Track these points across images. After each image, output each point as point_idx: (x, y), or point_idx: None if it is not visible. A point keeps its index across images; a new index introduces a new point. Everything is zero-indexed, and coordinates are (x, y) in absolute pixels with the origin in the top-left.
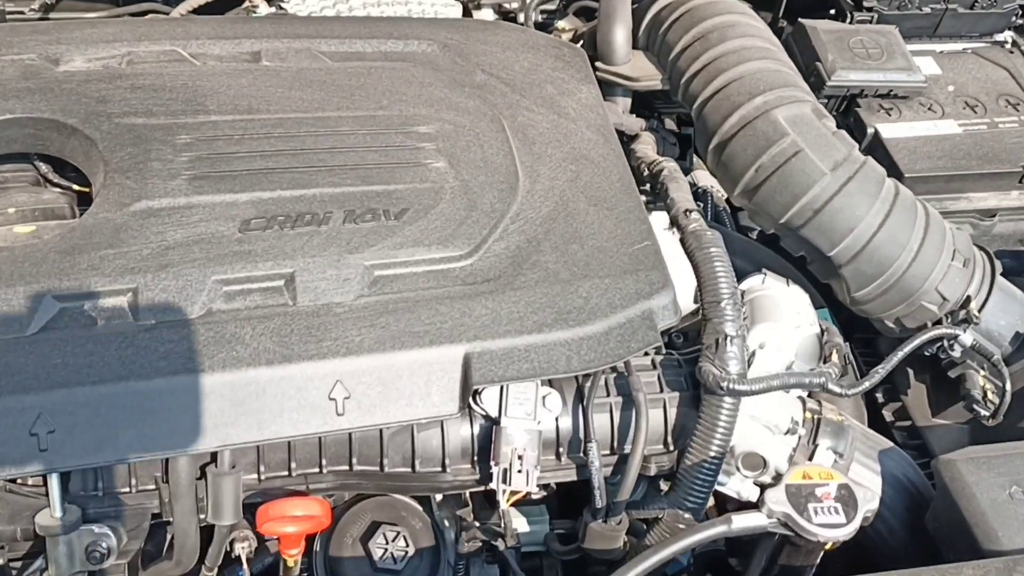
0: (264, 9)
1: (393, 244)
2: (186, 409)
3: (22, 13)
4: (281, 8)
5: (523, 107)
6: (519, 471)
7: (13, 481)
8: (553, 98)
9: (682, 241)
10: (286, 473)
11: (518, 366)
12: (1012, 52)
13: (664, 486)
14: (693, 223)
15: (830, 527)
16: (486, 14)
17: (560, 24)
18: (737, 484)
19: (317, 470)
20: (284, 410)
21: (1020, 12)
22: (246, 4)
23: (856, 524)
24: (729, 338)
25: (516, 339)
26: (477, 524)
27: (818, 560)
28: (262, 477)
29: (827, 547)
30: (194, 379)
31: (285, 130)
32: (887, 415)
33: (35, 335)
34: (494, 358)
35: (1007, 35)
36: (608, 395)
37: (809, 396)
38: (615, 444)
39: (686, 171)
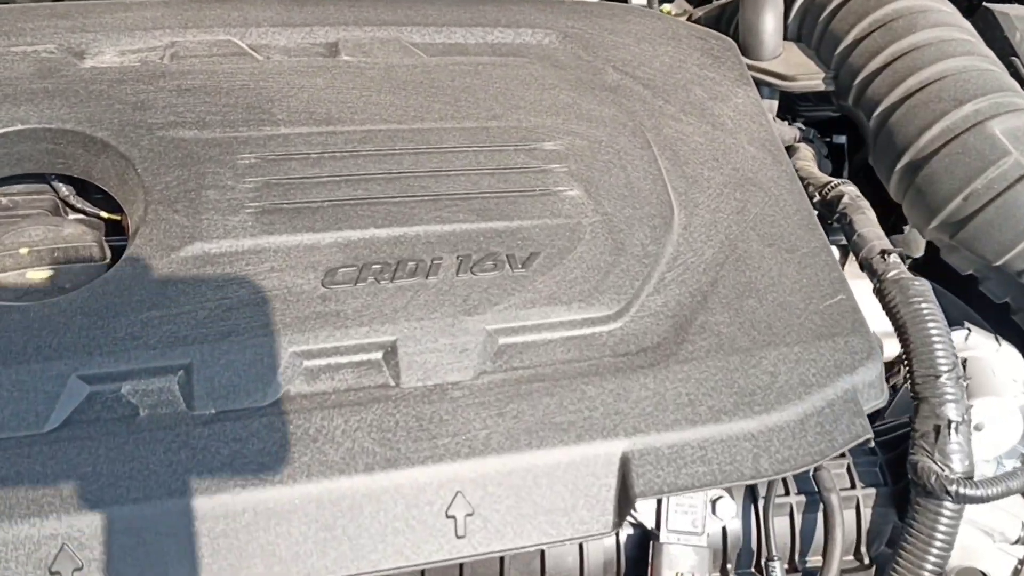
0: None
1: (522, 301)
2: (258, 533)
3: None
4: None
5: (668, 115)
6: None
7: None
8: (704, 104)
9: (879, 292)
10: None
11: (692, 470)
12: None
13: None
14: (893, 269)
15: None
16: None
17: (666, 7)
18: None
19: None
20: (387, 533)
21: None
22: None
23: None
24: (953, 425)
25: (688, 432)
26: None
27: None
28: None
29: None
30: (267, 493)
31: (375, 147)
32: None
33: (56, 432)
34: (661, 459)
35: None
36: (787, 493)
37: None
38: (795, 555)
39: None
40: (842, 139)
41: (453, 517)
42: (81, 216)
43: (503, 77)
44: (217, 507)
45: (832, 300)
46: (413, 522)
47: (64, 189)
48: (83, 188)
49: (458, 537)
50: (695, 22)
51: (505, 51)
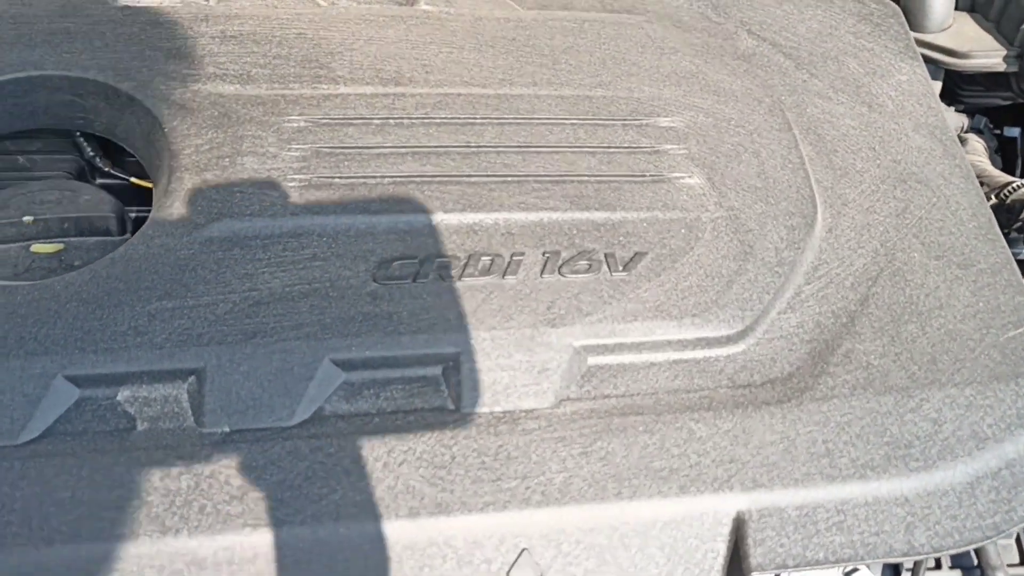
0: None
1: (620, 313)
2: None
3: None
4: None
5: (814, 92)
6: None
7: None
8: (859, 80)
9: None
10: None
11: (826, 540)
12: None
13: None
14: None
15: None
16: None
17: None
18: None
19: None
20: None
21: None
22: None
23: None
24: None
25: (823, 490)
26: None
27: None
28: None
29: None
30: (286, 538)
31: (452, 114)
32: None
33: (32, 444)
34: (787, 523)
35: None
36: (938, 567)
37: None
38: None
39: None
40: (1015, 132)
41: None
42: (108, 181)
43: (613, 37)
44: (221, 551)
45: (1017, 331)
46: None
47: (90, 149)
48: (115, 149)
49: None
50: None
51: (617, 7)
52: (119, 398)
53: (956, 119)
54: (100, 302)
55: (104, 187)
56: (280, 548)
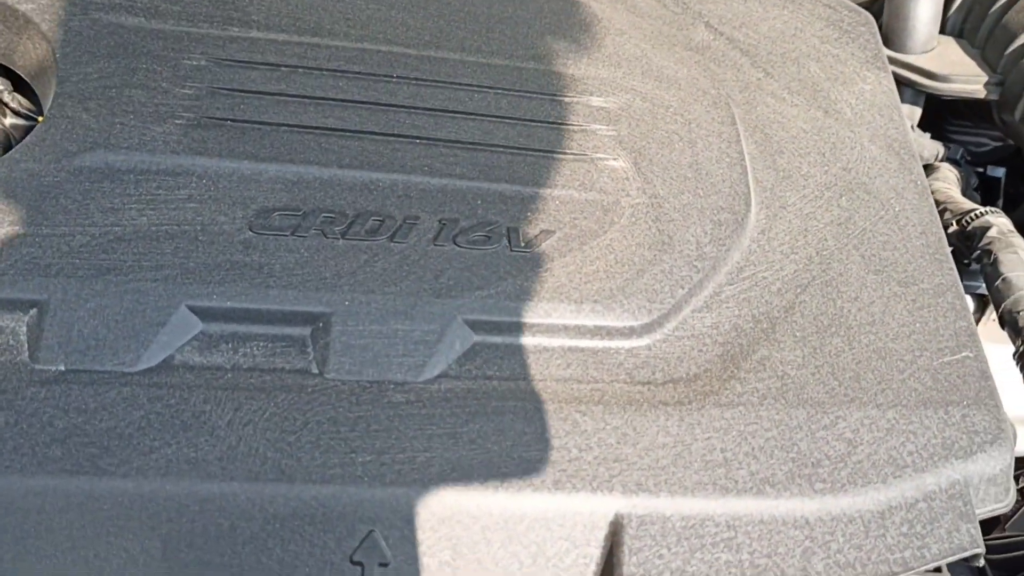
0: None
1: (516, 290)
2: (80, 543)
3: None
4: None
5: (767, 91)
6: None
7: None
8: (819, 84)
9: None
10: None
11: (711, 556)
12: None
13: None
14: None
15: None
16: None
17: None
18: None
19: None
20: (264, 571)
21: None
22: None
23: None
24: None
25: (714, 501)
26: None
27: None
28: None
29: None
30: (104, 489)
31: (367, 69)
32: None
33: None
34: (668, 533)
35: None
36: None
37: None
38: None
39: None
40: (999, 172)
41: (360, 565)
42: (18, 121)
43: (557, 13)
44: (32, 496)
45: (953, 357)
46: (299, 563)
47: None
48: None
49: None
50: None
51: None
52: None
53: (932, 146)
54: None
55: (16, 127)
56: (98, 500)
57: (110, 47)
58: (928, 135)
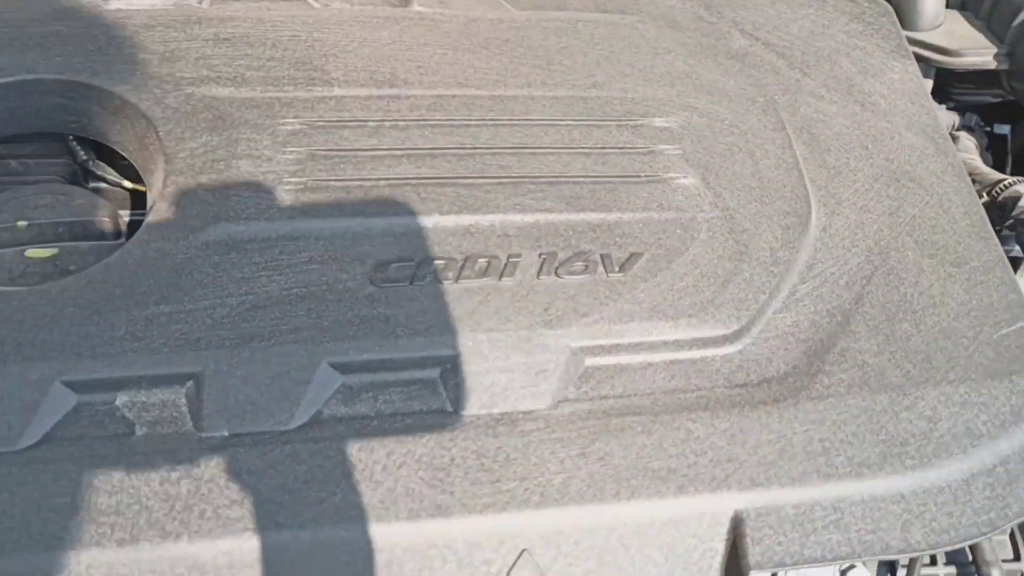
0: None
1: (617, 314)
2: None
3: None
4: None
5: (807, 92)
6: None
7: None
8: (852, 79)
9: None
10: None
11: (823, 538)
12: None
13: None
14: None
15: None
16: None
17: None
18: None
19: None
20: None
21: None
22: None
23: None
24: None
25: (820, 489)
26: None
27: None
28: None
29: None
30: (286, 541)
31: (447, 116)
32: None
33: (30, 450)
34: (784, 522)
35: None
36: (933, 563)
37: None
38: None
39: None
40: (1005, 129)
41: None
42: (102, 185)
43: (607, 38)
44: (221, 556)
45: (1010, 328)
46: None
47: (83, 153)
48: (108, 153)
49: None
50: None
51: (611, 7)
52: (117, 403)
53: (947, 117)
54: (97, 307)
55: (97, 191)
56: (280, 552)
57: (209, 120)
58: (944, 107)
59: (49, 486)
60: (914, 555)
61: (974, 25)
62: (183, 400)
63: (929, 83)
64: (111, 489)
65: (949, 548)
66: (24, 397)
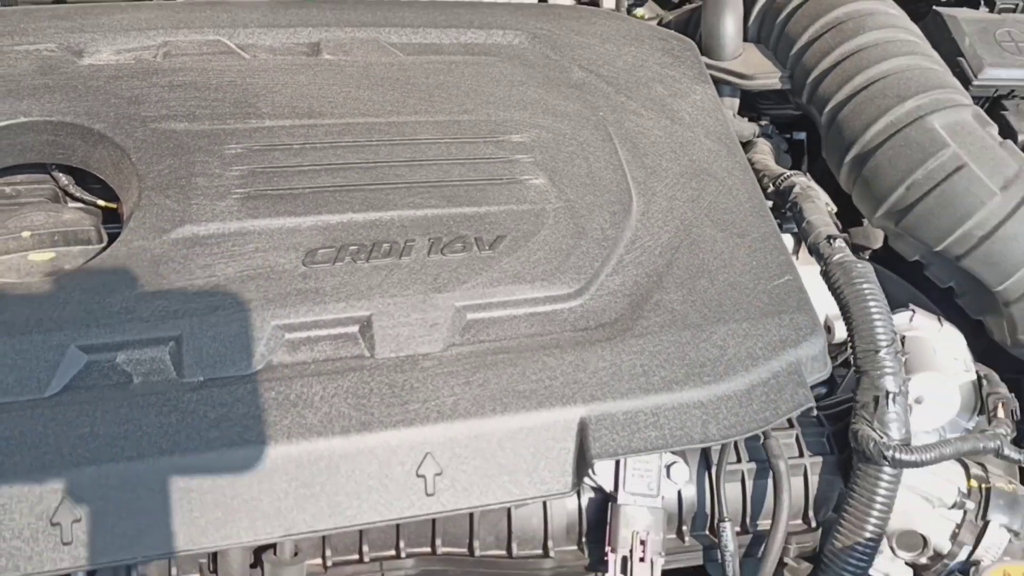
0: None
1: (488, 280)
2: (242, 491)
3: None
4: None
5: (630, 111)
6: (641, 559)
7: None
8: (664, 100)
9: (825, 274)
10: (357, 558)
11: (645, 434)
12: None
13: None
14: (839, 253)
15: None
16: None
17: (639, 11)
18: (887, 565)
19: (394, 553)
20: (362, 491)
21: None
22: None
23: None
24: (890, 396)
25: (642, 399)
26: None
27: None
28: (328, 563)
29: None
30: (252, 453)
31: (353, 138)
32: None
33: (56, 396)
34: (616, 424)
35: None
36: (738, 460)
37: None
38: (747, 520)
39: None
40: (802, 135)
41: (423, 476)
42: (80, 204)
43: (474, 75)
44: (204, 465)
45: (779, 280)
46: (386, 480)
47: (64, 179)
48: (82, 178)
49: (428, 495)
50: (666, 26)
51: (477, 51)
52: (118, 360)
53: (749, 127)
54: (98, 291)
55: (78, 209)
56: (247, 462)
57: (170, 148)
58: (746, 119)
59: (73, 421)
60: (711, 444)
61: (765, 55)
62: (167, 356)
63: (736, 101)
64: (119, 421)
65: (735, 438)
66: (47, 358)
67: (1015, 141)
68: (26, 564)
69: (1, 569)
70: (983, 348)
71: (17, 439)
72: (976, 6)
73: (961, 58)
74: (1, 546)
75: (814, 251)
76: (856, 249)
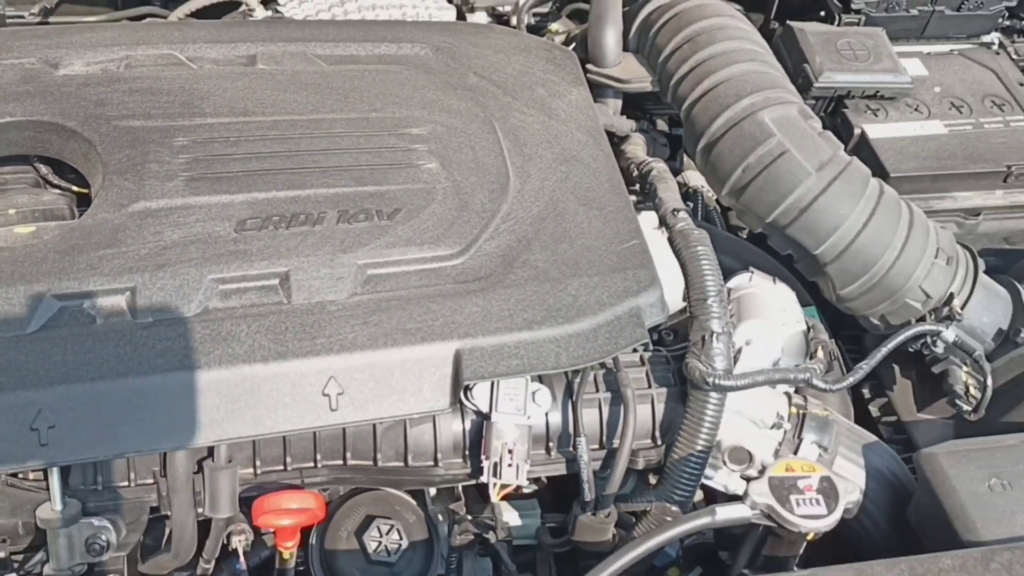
0: (260, 13)
1: (386, 243)
2: (183, 405)
3: (22, 17)
4: (277, 12)
5: (514, 109)
6: (509, 465)
7: (14, 475)
8: (544, 100)
9: (670, 240)
10: (281, 467)
11: (508, 362)
12: (998, 53)
13: (653, 480)
14: (680, 222)
15: (811, 518)
16: (479, 17)
17: (553, 27)
18: (724, 478)
19: (312, 464)
20: (279, 406)
21: (1007, 14)
22: (242, 8)
23: (837, 516)
24: (715, 335)
25: (506, 336)
26: (470, 518)
27: (801, 550)
28: (258, 471)
29: (809, 538)
30: (191, 376)
31: (280, 132)
32: (873, 411)
33: (35, 333)
34: (484, 354)
35: (994, 36)
36: (597, 391)
37: (796, 392)
38: (604, 439)
39: (676, 171)
40: (680, 131)
41: (328, 395)
42: (56, 191)
43: (384, 80)
44: (153, 386)
45: (628, 244)
46: (298, 398)
47: (43, 168)
48: (58, 168)
49: (332, 410)
50: (574, 39)
51: (388, 60)
52: (84, 306)
53: (627, 124)
54: (68, 252)
55: (56, 193)
56: (187, 383)
57: (128, 141)
58: (625, 117)
59: (47, 352)
60: (562, 370)
61: (641, 63)
62: (124, 303)
63: (618, 102)
64: (85, 351)
65: (583, 365)
66: (28, 304)
67: (852, 134)
68: (10, 463)
69: None
70: (837, 311)
71: (4, 365)
72: (830, 21)
73: (806, 64)
74: None
75: (663, 221)
76: None
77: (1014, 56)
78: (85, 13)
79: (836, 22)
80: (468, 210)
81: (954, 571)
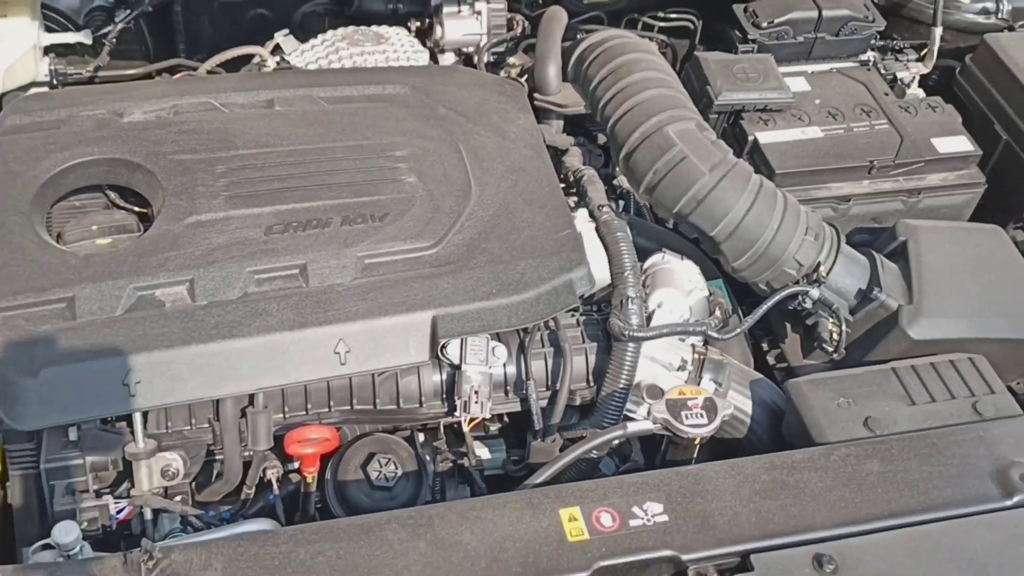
0: (271, 63)
1: (378, 240)
2: (231, 363)
3: (80, 74)
4: (285, 62)
5: (474, 133)
6: (476, 403)
7: (106, 422)
8: (498, 125)
9: (597, 230)
10: (304, 412)
11: (472, 324)
12: (869, 70)
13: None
14: (604, 215)
15: (696, 427)
16: (448, 58)
17: (512, 60)
18: (645, 411)
19: (327, 409)
20: (302, 362)
21: (877, 37)
22: (256, 60)
23: (716, 424)
24: (630, 299)
25: (470, 305)
26: (450, 452)
27: (695, 455)
28: (286, 416)
29: (697, 442)
30: (236, 342)
31: (295, 159)
32: (770, 359)
33: (122, 316)
34: (454, 319)
35: (869, 55)
36: (543, 346)
37: (705, 344)
38: (549, 382)
39: (611, 177)
40: None
41: (338, 353)
42: (123, 211)
43: (372, 115)
44: (209, 351)
45: (563, 233)
46: (315, 355)
47: (112, 194)
48: (123, 194)
49: (341, 364)
50: (528, 71)
51: (376, 99)
52: (157, 294)
53: (566, 140)
54: (141, 255)
55: (124, 212)
56: (235, 346)
57: (181, 170)
58: (565, 134)
59: (131, 329)
60: (513, 328)
61: (577, 91)
62: (185, 291)
63: (560, 123)
64: (158, 327)
65: (530, 323)
66: (114, 294)
67: (747, 140)
68: (109, 410)
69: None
70: (739, 284)
71: (100, 341)
72: (731, 51)
73: (708, 86)
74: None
75: (591, 215)
76: None
77: (882, 71)
78: (126, 67)
79: (735, 51)
80: (440, 212)
81: (804, 462)
